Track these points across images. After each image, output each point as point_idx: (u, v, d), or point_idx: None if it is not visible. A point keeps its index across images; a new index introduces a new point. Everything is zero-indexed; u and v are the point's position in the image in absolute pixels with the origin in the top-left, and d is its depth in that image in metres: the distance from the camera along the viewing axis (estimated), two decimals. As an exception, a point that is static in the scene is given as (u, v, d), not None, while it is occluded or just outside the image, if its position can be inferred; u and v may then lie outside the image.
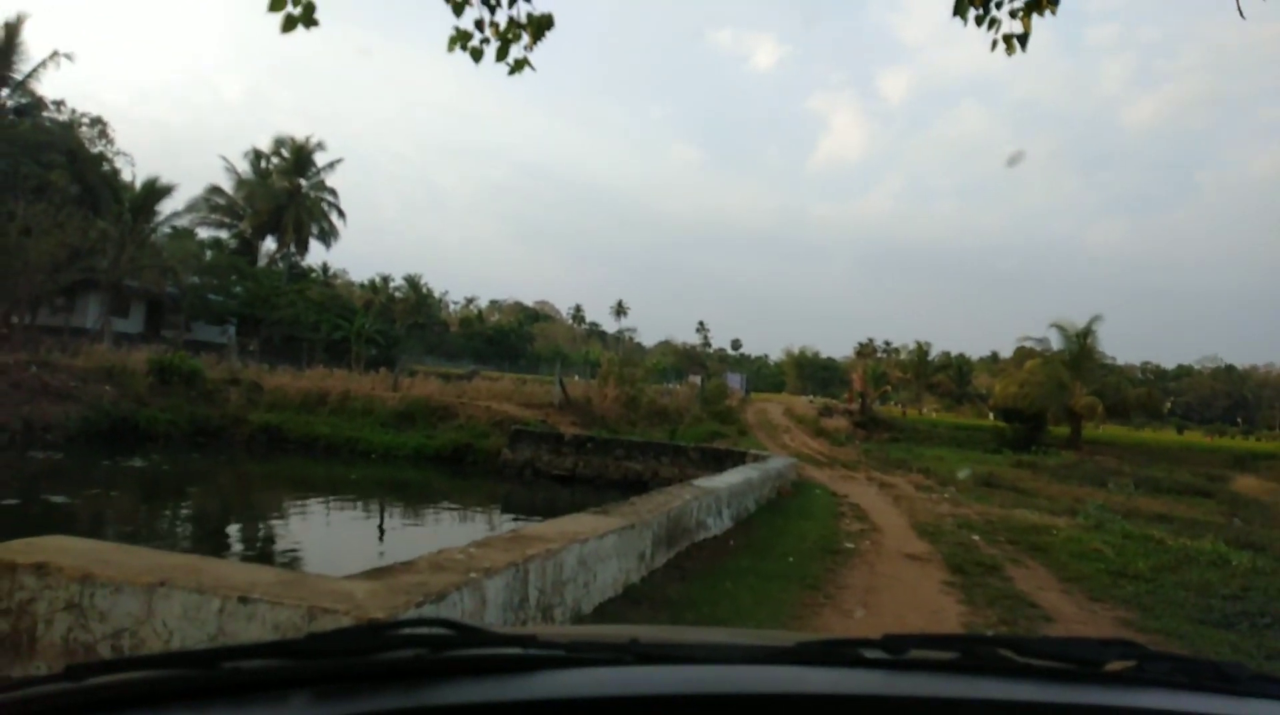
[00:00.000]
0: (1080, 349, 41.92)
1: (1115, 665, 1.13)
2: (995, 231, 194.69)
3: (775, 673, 1.09)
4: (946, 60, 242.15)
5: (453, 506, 17.84)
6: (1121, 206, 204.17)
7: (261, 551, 12.30)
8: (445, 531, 14.58)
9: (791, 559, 8.82)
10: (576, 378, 42.45)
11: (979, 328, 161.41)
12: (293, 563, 11.34)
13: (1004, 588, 8.23)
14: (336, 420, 22.90)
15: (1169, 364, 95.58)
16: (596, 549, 6.14)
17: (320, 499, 17.10)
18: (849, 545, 10.11)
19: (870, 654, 1.13)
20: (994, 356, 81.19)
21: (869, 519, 12.81)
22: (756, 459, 17.71)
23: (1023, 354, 46.14)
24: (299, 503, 16.64)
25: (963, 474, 21.73)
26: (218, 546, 12.19)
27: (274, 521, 15.11)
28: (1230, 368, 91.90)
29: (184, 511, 15.66)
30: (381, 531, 14.79)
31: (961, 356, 74.33)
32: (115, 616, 3.77)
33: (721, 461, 18.62)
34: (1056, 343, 43.21)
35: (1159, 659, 1.17)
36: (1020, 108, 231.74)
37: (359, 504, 17.17)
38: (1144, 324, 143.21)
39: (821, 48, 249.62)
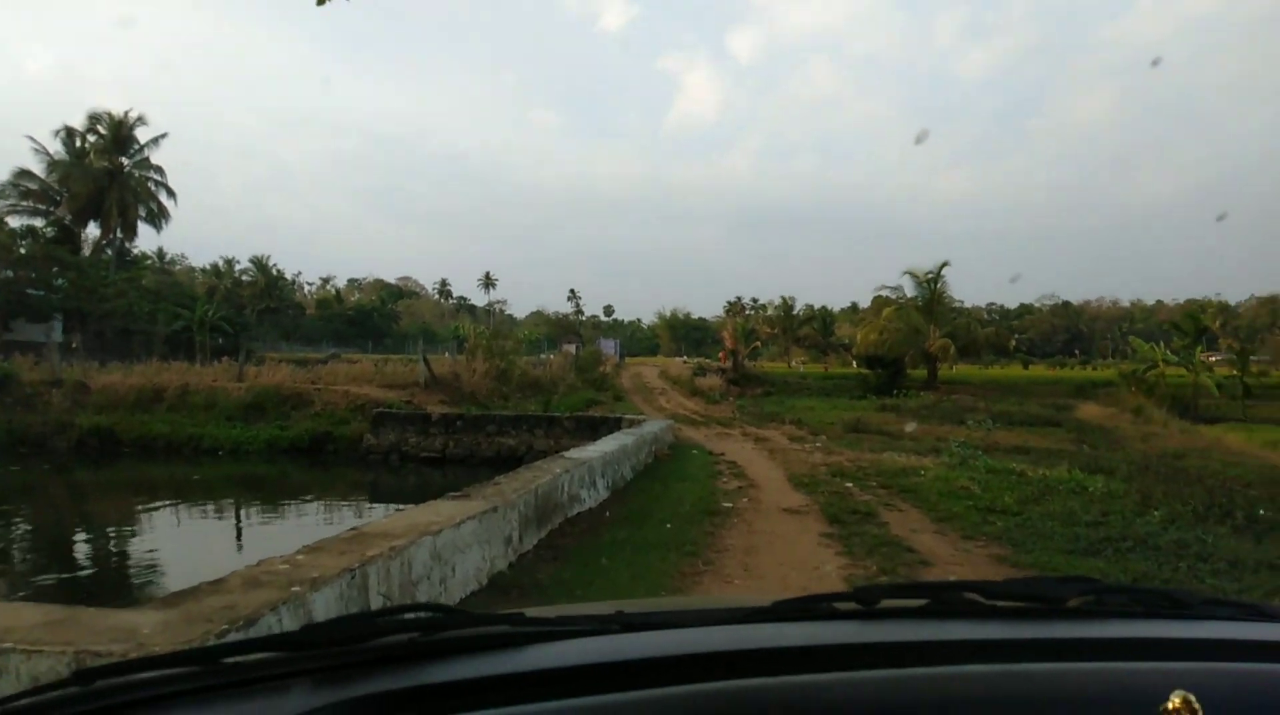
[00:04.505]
0: (931, 294, 43.88)
1: (1075, 601, 1.19)
2: (851, 186, 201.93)
3: (754, 630, 1.12)
4: (792, 17, 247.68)
5: (315, 500, 16.66)
6: (963, 156, 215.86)
7: (96, 573, 11.03)
8: (310, 528, 13.53)
9: (669, 525, 8.48)
10: (446, 355, 41.07)
11: (840, 280, 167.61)
12: (135, 581, 10.20)
13: (880, 534, 8.17)
14: (176, 417, 21.04)
15: (1012, 304, 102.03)
16: (453, 539, 5.56)
17: (166, 504, 15.60)
18: (727, 505, 9.88)
19: (843, 606, 1.17)
20: (854, 307, 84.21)
21: (746, 475, 12.70)
22: (632, 424, 17.40)
23: (880, 303, 47.83)
24: (139, 511, 15.09)
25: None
26: (38, 572, 10.79)
27: (110, 535, 13.66)
28: (1067, 304, 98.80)
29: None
30: (239, 534, 13.61)
31: (824, 309, 76.73)
32: None
33: (597, 429, 18.23)
34: (910, 290, 45.09)
35: (1116, 591, 1.26)
36: (865, 64, 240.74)
37: (210, 507, 15.80)
38: (988, 267, 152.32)
39: (669, 6, 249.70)
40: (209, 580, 3.97)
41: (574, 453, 10.59)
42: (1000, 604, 1.17)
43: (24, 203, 46.19)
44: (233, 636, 3.36)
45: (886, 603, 1.17)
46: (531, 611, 1.15)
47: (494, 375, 27.79)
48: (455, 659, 0.99)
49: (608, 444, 11.97)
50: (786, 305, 72.13)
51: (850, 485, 11.65)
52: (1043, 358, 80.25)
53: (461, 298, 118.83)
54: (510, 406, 24.15)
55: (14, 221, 45.14)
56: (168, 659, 0.99)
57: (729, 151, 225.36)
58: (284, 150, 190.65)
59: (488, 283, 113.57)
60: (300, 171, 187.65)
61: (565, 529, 8.25)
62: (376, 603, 4.48)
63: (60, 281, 39.10)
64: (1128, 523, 8.50)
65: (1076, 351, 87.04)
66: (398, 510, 6.82)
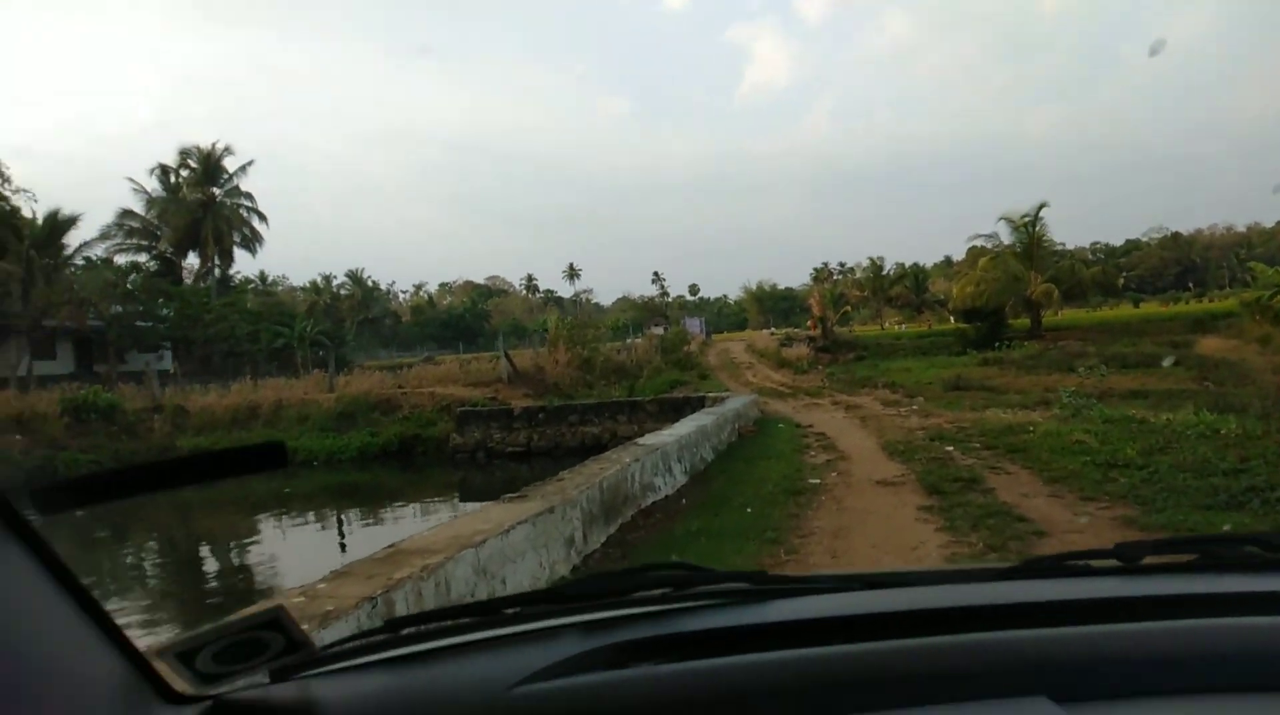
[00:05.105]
0: (1030, 239, 41.48)
1: None
2: (933, 137, 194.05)
3: (1004, 587, 1.10)
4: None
5: (407, 503, 16.73)
6: (1052, 92, 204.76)
7: (220, 586, 11.36)
8: (405, 531, 13.53)
9: (750, 510, 7.87)
10: (533, 349, 41.24)
11: (930, 235, 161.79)
12: (232, 598, 10.35)
13: (986, 503, 7.38)
14: (272, 432, 21.49)
15: (1117, 240, 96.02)
16: (501, 548, 5.11)
17: (269, 517, 15.96)
18: (814, 481, 9.20)
19: (1100, 564, 1.14)
20: (947, 261, 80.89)
21: (835, 447, 11.94)
22: (716, 402, 16.79)
23: (975, 253, 45.49)
24: (246, 526, 15.48)
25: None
26: (162, 597, 11.06)
27: (220, 552, 14.12)
28: (1176, 235, 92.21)
29: (124, 560, 14.36)
30: (343, 545, 13.70)
31: (916, 266, 73.59)
32: None
33: (680, 410, 17.67)
34: (1007, 237, 42.75)
35: None
36: (940, 6, 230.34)
37: (311, 517, 16.05)
38: (1089, 205, 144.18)
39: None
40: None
41: (647, 439, 10.09)
42: None
43: (129, 241, 48.82)
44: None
45: (1151, 559, 1.13)
46: (773, 573, 1.20)
47: (577, 364, 27.57)
48: (705, 611, 1.06)
49: (684, 426, 11.42)
50: (875, 266, 69.80)
51: (950, 449, 10.78)
52: (1154, 294, 75.30)
53: (549, 291, 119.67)
54: (595, 394, 23.85)
55: (120, 259, 48.01)
56: (457, 610, 1.11)
57: (803, 116, 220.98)
58: (371, 167, 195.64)
59: (572, 274, 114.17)
60: (388, 185, 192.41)
61: (637, 522, 7.76)
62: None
63: (165, 311, 41.00)
64: (1273, 468, 7.41)
65: (1190, 285, 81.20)
66: (481, 507, 6.45)
